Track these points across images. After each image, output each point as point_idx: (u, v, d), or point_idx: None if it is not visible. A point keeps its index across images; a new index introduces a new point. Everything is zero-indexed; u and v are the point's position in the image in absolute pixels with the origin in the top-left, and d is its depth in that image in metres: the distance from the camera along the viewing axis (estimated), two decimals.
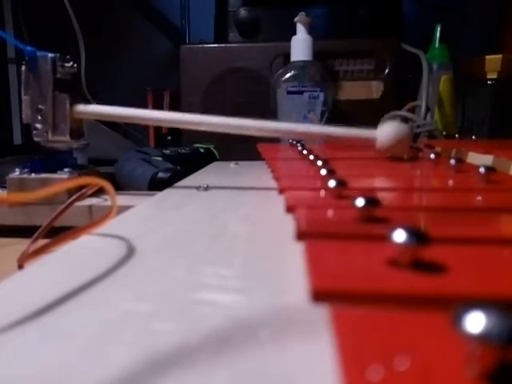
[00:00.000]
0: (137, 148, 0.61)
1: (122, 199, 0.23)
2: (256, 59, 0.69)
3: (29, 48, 0.36)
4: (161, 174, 0.44)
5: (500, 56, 0.67)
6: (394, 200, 0.22)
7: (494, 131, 0.66)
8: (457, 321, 0.07)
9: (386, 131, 0.33)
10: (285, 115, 0.61)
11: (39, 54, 0.36)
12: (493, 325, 0.07)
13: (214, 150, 0.62)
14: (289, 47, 0.62)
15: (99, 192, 0.30)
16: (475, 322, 0.07)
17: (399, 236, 0.11)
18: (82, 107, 0.35)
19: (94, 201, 0.36)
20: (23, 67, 0.37)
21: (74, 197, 0.25)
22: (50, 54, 0.37)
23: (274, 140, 0.62)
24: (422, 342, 0.08)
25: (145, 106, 0.93)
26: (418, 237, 0.11)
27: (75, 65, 0.38)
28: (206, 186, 0.29)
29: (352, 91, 0.68)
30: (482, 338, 0.06)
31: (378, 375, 0.07)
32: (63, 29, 0.67)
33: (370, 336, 0.08)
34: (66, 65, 0.37)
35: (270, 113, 0.62)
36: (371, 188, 0.26)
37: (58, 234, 0.22)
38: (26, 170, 0.39)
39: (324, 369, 0.08)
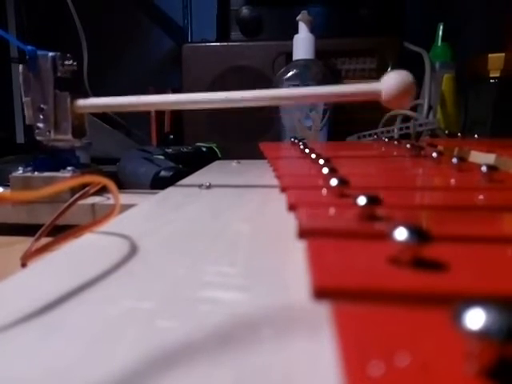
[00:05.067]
0: (139, 147, 0.61)
1: (124, 198, 0.23)
2: (258, 58, 0.69)
3: (29, 47, 0.36)
4: (163, 173, 0.44)
5: (503, 54, 0.67)
6: (396, 198, 0.22)
7: (496, 130, 0.66)
8: (457, 317, 0.07)
9: (391, 81, 0.31)
10: (287, 113, 0.61)
11: (39, 53, 0.37)
12: (492, 321, 0.07)
13: (216, 149, 0.62)
14: (291, 46, 0.62)
15: (102, 190, 0.30)
16: (475, 318, 0.07)
17: (400, 234, 0.11)
18: (82, 101, 0.35)
19: (96, 199, 0.36)
20: (21, 68, 0.37)
21: (76, 195, 0.25)
22: (50, 53, 0.37)
23: (275, 139, 0.62)
24: (423, 338, 0.08)
25: None
26: (419, 235, 0.11)
27: (75, 63, 0.38)
28: (208, 184, 0.29)
29: None
30: (482, 335, 0.07)
31: (379, 371, 0.07)
32: (66, 28, 0.67)
33: (370, 333, 0.08)
34: (66, 63, 0.37)
35: (272, 111, 0.62)
36: (373, 186, 0.26)
37: (60, 232, 0.22)
38: (29, 168, 0.39)
39: (326, 365, 0.08)
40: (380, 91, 0.32)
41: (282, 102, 0.37)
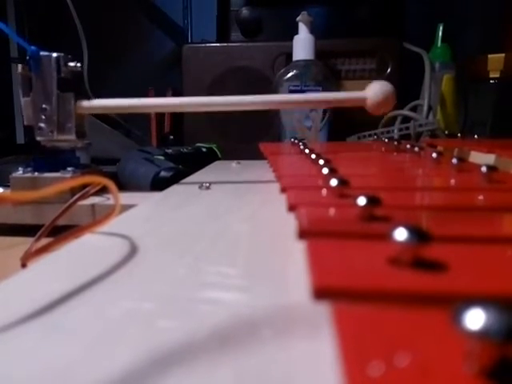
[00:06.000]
0: (139, 147, 0.61)
1: (124, 198, 0.23)
2: (258, 58, 0.69)
3: (33, 47, 0.36)
4: (163, 173, 0.44)
5: (502, 55, 0.67)
6: (396, 199, 0.22)
7: (496, 130, 0.66)
8: (456, 318, 0.07)
9: (374, 90, 0.37)
10: (287, 114, 0.61)
11: (42, 53, 0.37)
12: (492, 321, 0.07)
13: (216, 150, 0.62)
14: (291, 46, 0.62)
15: (102, 191, 0.30)
16: (475, 318, 0.07)
17: (400, 234, 0.11)
18: (86, 103, 0.36)
19: (96, 200, 0.36)
20: (20, 69, 0.37)
21: (77, 196, 0.25)
22: (54, 54, 0.37)
23: (275, 140, 0.62)
24: (423, 338, 0.08)
25: None
26: (418, 235, 0.11)
27: (79, 64, 0.38)
28: (208, 184, 0.29)
29: (354, 90, 0.68)
30: (482, 335, 0.07)
31: (379, 371, 0.07)
32: (66, 28, 0.67)
33: (370, 333, 0.08)
34: (70, 64, 0.38)
35: (272, 112, 0.62)
36: (373, 187, 0.26)
37: (61, 232, 0.22)
38: (29, 169, 0.39)
39: (326, 366, 0.08)
40: (365, 98, 0.36)
41: (274, 106, 0.41)
